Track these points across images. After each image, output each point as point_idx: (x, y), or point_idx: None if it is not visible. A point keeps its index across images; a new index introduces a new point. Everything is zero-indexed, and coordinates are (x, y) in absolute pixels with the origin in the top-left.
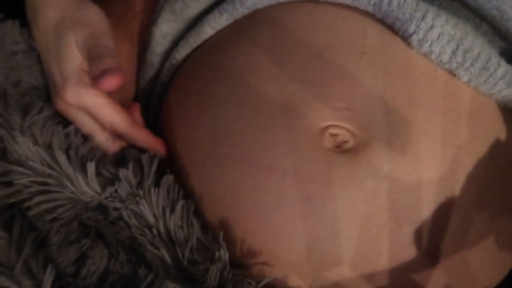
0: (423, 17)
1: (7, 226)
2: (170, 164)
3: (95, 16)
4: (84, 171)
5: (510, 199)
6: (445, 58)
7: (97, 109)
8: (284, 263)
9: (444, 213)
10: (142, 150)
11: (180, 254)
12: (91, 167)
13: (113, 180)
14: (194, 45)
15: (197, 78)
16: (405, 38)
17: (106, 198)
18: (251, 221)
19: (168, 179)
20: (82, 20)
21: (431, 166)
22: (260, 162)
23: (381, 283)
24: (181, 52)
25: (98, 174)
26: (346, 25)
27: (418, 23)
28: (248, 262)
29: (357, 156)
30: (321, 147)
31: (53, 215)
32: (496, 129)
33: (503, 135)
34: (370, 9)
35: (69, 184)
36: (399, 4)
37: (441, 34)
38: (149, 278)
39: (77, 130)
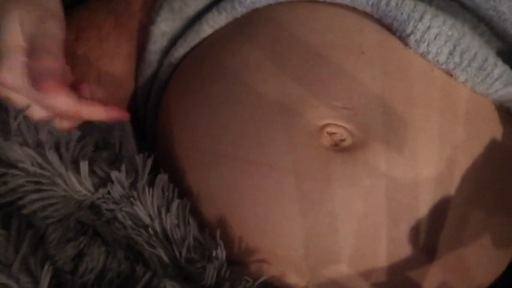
0: (421, 17)
1: (5, 224)
2: (167, 162)
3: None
4: (76, 170)
5: (506, 198)
6: (442, 58)
7: (35, 93)
8: (282, 260)
9: (441, 211)
10: (137, 149)
11: (177, 253)
12: (84, 166)
13: (106, 180)
14: (193, 44)
15: (196, 77)
16: (403, 39)
17: (99, 198)
18: (249, 218)
19: (162, 178)
20: (32, 1)
21: (428, 165)
22: (258, 160)
23: (378, 280)
24: (180, 51)
25: (92, 172)
26: (345, 25)
27: (415, 24)
28: (246, 259)
29: (354, 154)
30: (319, 145)
31: (46, 213)
32: (493, 129)
33: (499, 135)
34: (368, 9)
35: (61, 183)
36: (397, 4)
37: (438, 34)
38: (147, 276)
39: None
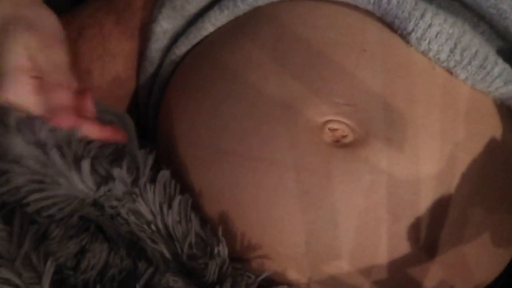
0: (422, 15)
1: (8, 220)
2: (168, 159)
3: (48, 23)
4: (78, 168)
5: (507, 195)
6: (443, 56)
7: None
8: (283, 256)
9: (441, 208)
10: (139, 146)
11: (179, 250)
12: (85, 165)
13: (108, 178)
14: (194, 41)
15: (197, 74)
16: (404, 36)
17: (101, 196)
18: (250, 214)
19: (164, 174)
20: (35, 25)
21: (428, 162)
22: (260, 156)
23: (379, 276)
24: (181, 49)
25: (94, 171)
26: (346, 23)
27: (416, 22)
28: (247, 256)
29: (356, 151)
30: (321, 141)
31: (49, 212)
32: (493, 126)
33: (499, 132)
34: (369, 7)
35: (64, 182)
36: (398, 2)
37: (439, 32)
38: (149, 271)
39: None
